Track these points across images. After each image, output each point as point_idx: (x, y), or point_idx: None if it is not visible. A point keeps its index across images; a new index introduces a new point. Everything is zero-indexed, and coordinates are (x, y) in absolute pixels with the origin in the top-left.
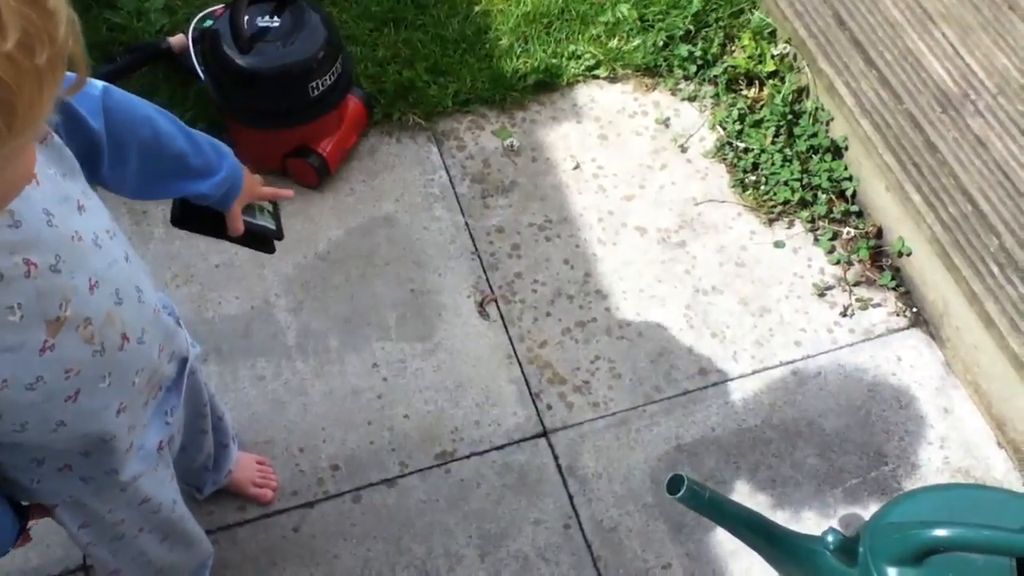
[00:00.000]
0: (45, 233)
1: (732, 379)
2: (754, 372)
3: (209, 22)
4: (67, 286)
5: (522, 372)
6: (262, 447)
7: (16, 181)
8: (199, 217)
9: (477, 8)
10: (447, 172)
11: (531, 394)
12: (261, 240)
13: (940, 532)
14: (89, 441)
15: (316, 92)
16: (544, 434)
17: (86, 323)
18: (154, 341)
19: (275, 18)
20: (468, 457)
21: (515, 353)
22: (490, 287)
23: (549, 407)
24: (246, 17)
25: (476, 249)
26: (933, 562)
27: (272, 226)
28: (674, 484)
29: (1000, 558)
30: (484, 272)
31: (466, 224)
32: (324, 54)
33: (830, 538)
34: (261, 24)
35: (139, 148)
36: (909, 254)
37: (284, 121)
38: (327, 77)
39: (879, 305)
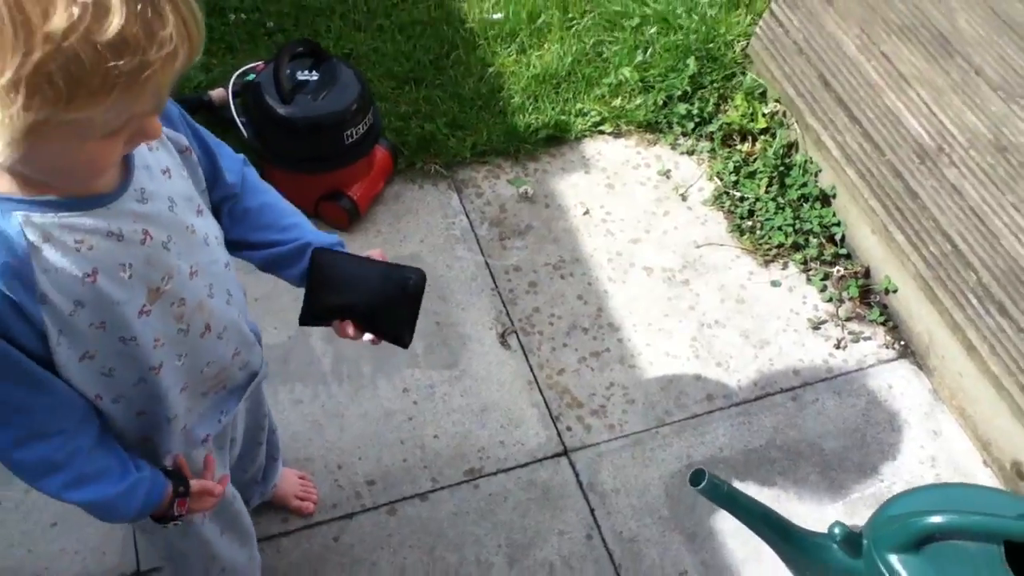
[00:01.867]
0: (165, 215)
1: (737, 404)
2: (757, 398)
3: (251, 76)
4: (172, 264)
5: (542, 397)
6: (303, 464)
7: (84, 167)
8: (329, 291)
9: (491, 70)
10: (467, 216)
11: (551, 417)
12: (405, 297)
13: (936, 519)
14: (155, 417)
15: (350, 140)
16: (565, 453)
17: (180, 302)
18: (231, 342)
19: (313, 72)
20: (495, 474)
21: (535, 380)
22: (510, 320)
23: (568, 428)
24: (287, 71)
25: (496, 286)
26: (931, 549)
27: (411, 276)
28: (696, 477)
29: (989, 545)
30: (504, 306)
31: (486, 263)
32: (357, 106)
33: (837, 530)
34: (300, 78)
35: (257, 209)
36: (895, 291)
37: (320, 166)
38: (360, 127)
39: (869, 338)
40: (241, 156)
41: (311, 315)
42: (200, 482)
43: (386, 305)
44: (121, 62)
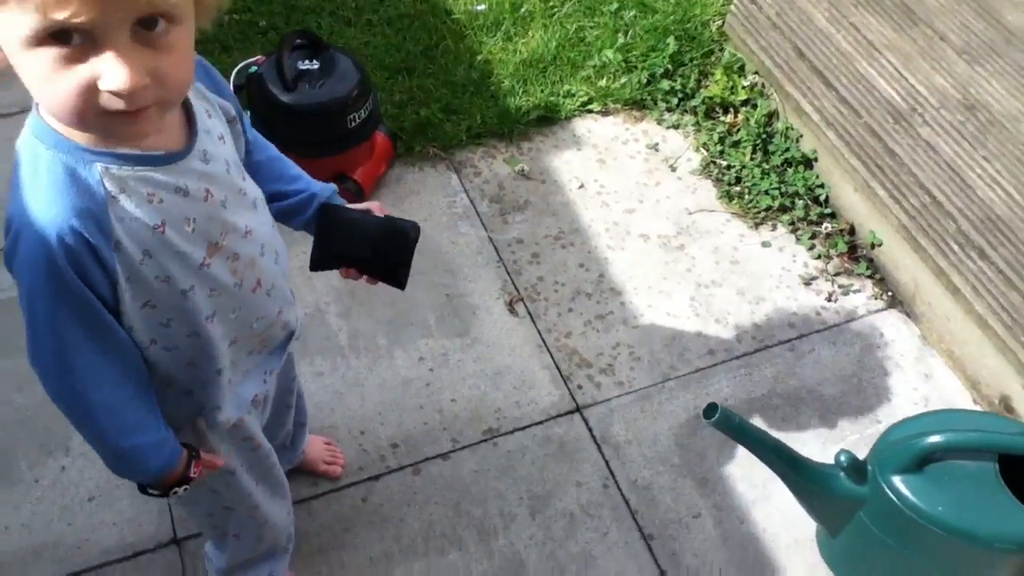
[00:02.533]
0: (223, 176)
1: (738, 357)
2: (756, 351)
3: (254, 68)
4: (229, 222)
5: (552, 359)
6: (328, 431)
7: (56, 97)
8: (337, 243)
9: (479, 57)
10: (467, 195)
11: (562, 377)
12: (400, 240)
13: (935, 439)
14: (204, 370)
15: (352, 124)
16: (577, 410)
17: (235, 257)
18: (277, 300)
19: (313, 62)
20: (512, 432)
21: (544, 343)
22: (516, 289)
23: (579, 387)
24: (289, 61)
25: (500, 258)
26: (931, 469)
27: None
28: (710, 411)
29: (985, 463)
30: (510, 277)
31: (489, 238)
32: (358, 91)
33: (843, 458)
34: (302, 67)
35: (266, 162)
36: (880, 244)
37: (324, 151)
38: (361, 111)
39: (859, 291)
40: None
41: (319, 263)
42: (207, 453)
43: (386, 254)
44: None
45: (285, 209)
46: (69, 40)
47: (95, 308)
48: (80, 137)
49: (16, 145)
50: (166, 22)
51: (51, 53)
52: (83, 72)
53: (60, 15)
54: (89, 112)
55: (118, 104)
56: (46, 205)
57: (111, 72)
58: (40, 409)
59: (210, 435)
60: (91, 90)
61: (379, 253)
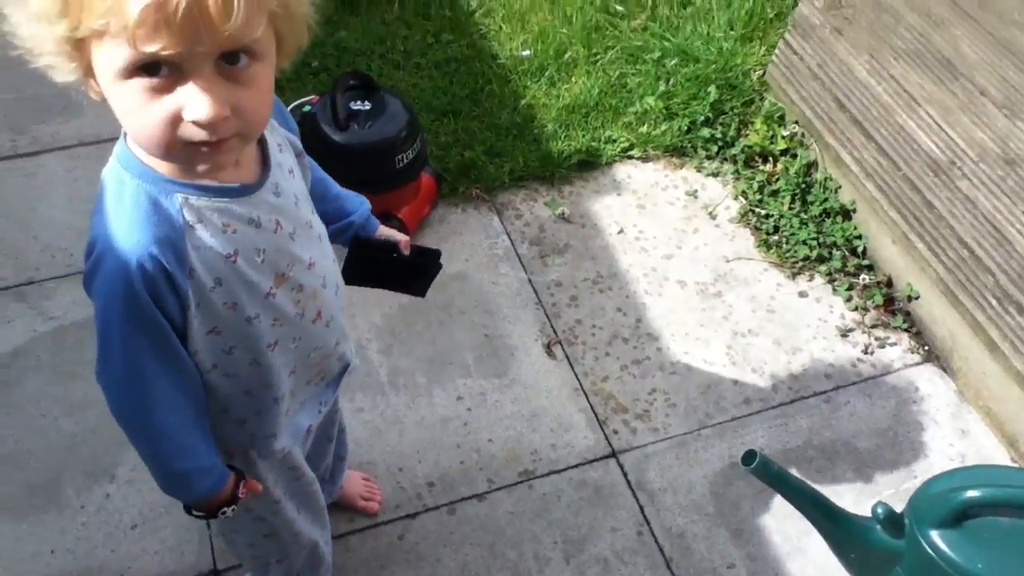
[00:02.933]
0: (292, 209)
1: (774, 407)
2: (792, 401)
3: (308, 107)
4: (295, 254)
5: (588, 402)
6: (366, 467)
7: (143, 127)
8: (367, 271)
9: (523, 101)
10: (508, 236)
11: (598, 421)
12: (423, 268)
13: (975, 493)
14: (261, 399)
15: (400, 164)
16: (613, 455)
17: (299, 289)
18: (334, 332)
19: (365, 103)
20: (548, 475)
21: (581, 386)
22: (554, 331)
23: (615, 432)
24: (341, 102)
25: (539, 300)
26: (970, 524)
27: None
28: (749, 457)
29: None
30: (548, 319)
31: (529, 280)
32: (406, 132)
33: (880, 510)
34: (354, 107)
35: (312, 186)
36: (917, 297)
37: (372, 189)
38: (409, 152)
39: (895, 344)
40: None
41: (349, 281)
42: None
43: (410, 283)
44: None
45: (329, 232)
46: (158, 71)
47: (166, 333)
48: (163, 168)
49: (103, 173)
50: (248, 58)
51: (140, 84)
52: (169, 103)
53: (151, 48)
54: (174, 142)
55: (200, 135)
56: (128, 232)
57: (195, 103)
58: (88, 436)
59: (260, 463)
60: (176, 120)
61: (404, 283)
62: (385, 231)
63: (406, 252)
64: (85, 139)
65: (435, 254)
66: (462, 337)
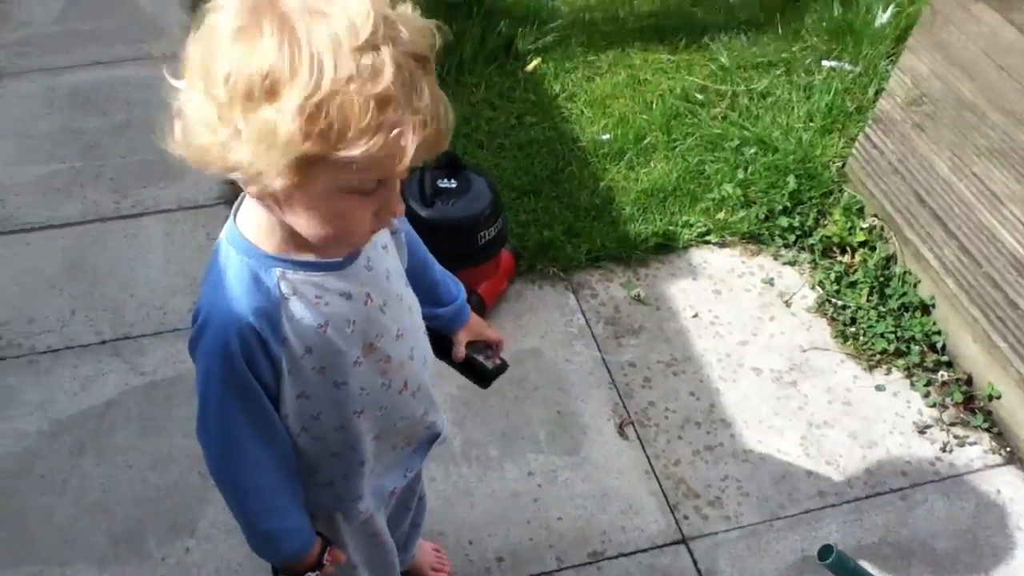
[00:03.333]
0: (383, 283)
1: (848, 501)
2: (867, 496)
3: None
4: (384, 325)
5: (660, 486)
6: (436, 537)
7: (340, 224)
8: (441, 354)
9: (602, 184)
10: (584, 315)
11: (669, 505)
12: (477, 374)
13: None
14: (348, 461)
15: (482, 241)
16: (683, 541)
17: (387, 359)
18: (421, 402)
19: (451, 180)
20: (617, 557)
21: (652, 469)
22: (627, 412)
23: (686, 517)
24: (429, 179)
25: (613, 380)
26: None
27: (489, 367)
28: (825, 552)
29: None
30: (621, 399)
31: (602, 359)
32: (490, 211)
33: None
34: (440, 185)
35: (412, 266)
36: (999, 397)
37: (454, 264)
38: (491, 229)
39: (975, 443)
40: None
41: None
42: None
43: (479, 378)
44: (382, 115)
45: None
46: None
47: (259, 397)
48: (266, 246)
49: (214, 247)
50: None
51: (356, 197)
52: (373, 205)
53: (399, 171)
54: (367, 235)
55: (388, 226)
56: (229, 302)
57: (396, 202)
58: (172, 490)
59: (343, 527)
60: (374, 217)
61: (471, 374)
62: (476, 327)
63: (459, 355)
64: (184, 204)
65: (503, 368)
66: (535, 413)
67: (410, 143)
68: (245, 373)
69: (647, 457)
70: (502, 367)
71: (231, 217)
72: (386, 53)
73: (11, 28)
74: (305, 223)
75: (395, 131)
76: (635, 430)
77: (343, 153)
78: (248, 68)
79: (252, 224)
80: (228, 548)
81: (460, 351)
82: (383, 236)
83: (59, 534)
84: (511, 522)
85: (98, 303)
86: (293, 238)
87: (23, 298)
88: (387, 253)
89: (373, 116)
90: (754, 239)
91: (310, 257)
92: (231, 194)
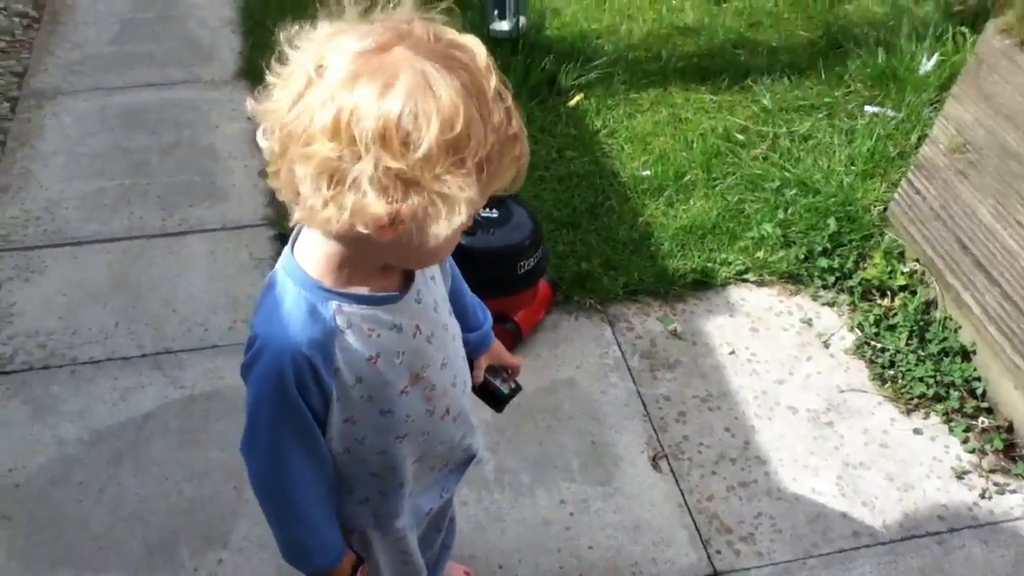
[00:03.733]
0: (431, 314)
1: (883, 543)
2: (903, 539)
3: None
4: (430, 355)
5: (692, 520)
6: (466, 561)
7: (438, 253)
8: None
9: (641, 219)
10: (619, 348)
11: (702, 540)
12: (493, 398)
13: None
14: (387, 481)
15: (522, 270)
16: (715, 575)
17: (431, 388)
18: (460, 427)
19: (492, 210)
20: None
21: (686, 503)
22: (660, 445)
23: (718, 552)
24: None
25: (647, 413)
26: None
27: (505, 391)
28: None
29: None
30: (655, 432)
31: (637, 392)
32: (530, 241)
33: None
34: (482, 214)
35: (449, 291)
36: None
37: (492, 293)
38: (531, 259)
39: (1015, 491)
40: None
41: None
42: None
43: (495, 402)
44: (515, 150)
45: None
46: None
47: (308, 422)
48: (325, 279)
49: (269, 276)
50: None
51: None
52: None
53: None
54: None
55: None
56: (286, 333)
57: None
58: (207, 502)
59: (376, 544)
60: None
61: (487, 398)
62: (496, 352)
63: (477, 379)
64: (227, 224)
65: (517, 391)
66: (568, 442)
67: (526, 163)
68: (296, 399)
69: (680, 491)
70: (516, 390)
71: (288, 248)
72: (507, 93)
73: (67, 49)
74: (405, 255)
75: (523, 159)
76: (669, 463)
77: (492, 189)
78: (431, 135)
79: (312, 257)
80: (260, 561)
81: (479, 375)
82: (433, 267)
83: (95, 541)
84: (542, 550)
85: (141, 317)
86: (353, 272)
87: (69, 309)
88: (435, 283)
89: (510, 154)
90: (793, 279)
91: (365, 290)
92: (274, 216)
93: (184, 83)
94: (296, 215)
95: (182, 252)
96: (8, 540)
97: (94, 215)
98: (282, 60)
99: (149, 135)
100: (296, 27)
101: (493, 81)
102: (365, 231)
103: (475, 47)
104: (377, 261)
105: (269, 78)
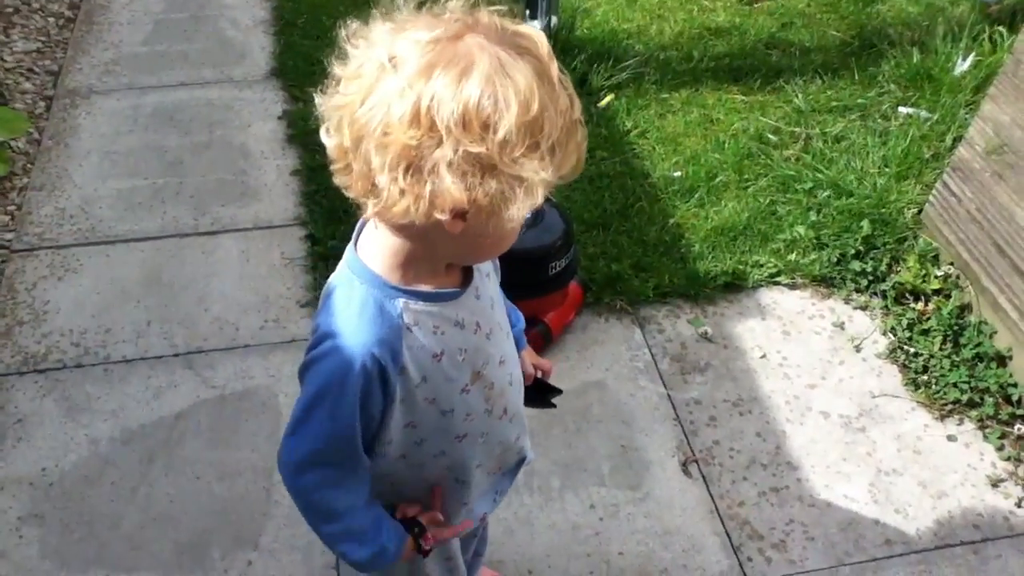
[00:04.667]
0: (488, 311)
1: (917, 551)
2: (936, 548)
3: None
4: (489, 353)
5: (723, 526)
6: (496, 566)
7: (501, 244)
8: None
9: (671, 220)
10: (649, 350)
11: (732, 546)
12: (545, 394)
13: None
14: (445, 484)
15: (552, 272)
16: None
17: (490, 386)
18: (516, 427)
19: None
20: None
21: (716, 509)
22: (691, 449)
23: (749, 559)
24: None
25: (677, 416)
26: None
27: (559, 389)
28: None
29: None
30: (685, 436)
31: (668, 395)
32: (561, 242)
33: None
34: None
35: None
36: None
37: (522, 294)
38: (562, 261)
39: None
40: None
41: None
42: (428, 514)
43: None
44: (578, 135)
45: None
46: None
47: (355, 432)
48: (391, 276)
49: (331, 279)
50: None
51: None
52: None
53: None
54: None
55: None
56: (355, 331)
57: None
58: (238, 503)
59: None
60: None
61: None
62: (527, 355)
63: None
64: (260, 223)
65: (556, 393)
66: (598, 445)
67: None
68: (354, 403)
69: (711, 496)
70: (557, 391)
71: (351, 245)
72: (567, 80)
73: (101, 49)
74: (476, 249)
75: (584, 145)
76: (699, 468)
77: (561, 174)
78: (511, 118)
79: (377, 254)
80: (290, 563)
81: (530, 370)
82: (487, 264)
83: (126, 541)
84: (571, 555)
85: (173, 316)
86: (418, 268)
87: (102, 308)
88: (490, 280)
89: (573, 138)
90: (825, 282)
91: (429, 287)
92: (306, 216)
93: (217, 82)
94: (370, 209)
95: (214, 251)
96: (41, 539)
97: (127, 214)
98: (342, 57)
99: (182, 134)
100: (356, 24)
101: (555, 67)
102: (442, 217)
103: (537, 36)
104: (443, 257)
105: (335, 72)
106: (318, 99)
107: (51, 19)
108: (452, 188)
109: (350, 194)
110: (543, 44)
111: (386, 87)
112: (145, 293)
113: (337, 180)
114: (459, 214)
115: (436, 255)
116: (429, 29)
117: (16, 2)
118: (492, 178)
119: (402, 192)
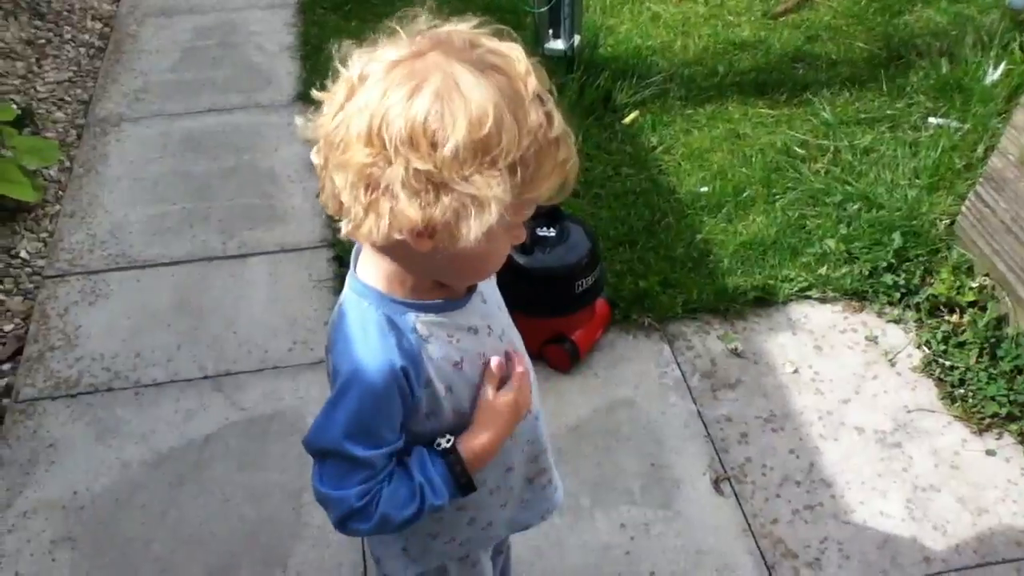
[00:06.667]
0: (496, 314)
1: (956, 569)
2: (977, 565)
3: None
4: (503, 353)
5: (757, 545)
6: None
7: (487, 264)
8: None
9: (699, 236)
10: (679, 367)
11: (767, 565)
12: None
13: None
14: (483, 495)
15: (579, 290)
16: None
17: None
18: (541, 425)
19: (550, 229)
20: None
21: (749, 527)
22: (723, 467)
23: None
24: (528, 227)
25: (708, 434)
26: None
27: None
28: None
29: None
30: (717, 454)
31: (698, 412)
32: (587, 260)
33: None
34: (539, 233)
35: None
36: None
37: (551, 312)
38: (588, 279)
39: None
40: None
41: None
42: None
43: None
44: (557, 156)
45: None
46: None
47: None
48: (396, 293)
49: (339, 307)
50: None
51: (505, 231)
52: (511, 238)
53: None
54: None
55: None
56: (376, 352)
57: (523, 231)
58: (266, 525)
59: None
60: None
61: None
62: None
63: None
64: (286, 247)
65: None
66: (628, 463)
67: (575, 170)
68: (397, 412)
69: (744, 514)
70: None
71: (351, 270)
72: (548, 98)
73: (131, 77)
74: (456, 270)
75: (570, 164)
76: (731, 486)
77: (532, 195)
78: (458, 134)
79: (377, 274)
80: None
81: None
82: None
83: (156, 563)
84: (602, 575)
85: (202, 339)
86: (420, 282)
87: (132, 332)
88: (492, 284)
89: (552, 159)
90: (857, 296)
91: (436, 299)
92: (333, 238)
93: (244, 108)
94: (343, 229)
95: (243, 274)
96: (72, 563)
97: (157, 239)
98: (334, 79)
99: (210, 159)
100: (348, 46)
101: (532, 84)
102: (401, 237)
103: (512, 52)
104: (426, 275)
105: (318, 96)
106: (299, 120)
107: (82, 49)
108: (407, 207)
109: (328, 212)
110: (519, 60)
111: (351, 105)
112: (175, 317)
113: (320, 199)
114: (422, 233)
115: (419, 274)
116: (398, 48)
117: (48, 34)
118: (445, 195)
119: (364, 211)
